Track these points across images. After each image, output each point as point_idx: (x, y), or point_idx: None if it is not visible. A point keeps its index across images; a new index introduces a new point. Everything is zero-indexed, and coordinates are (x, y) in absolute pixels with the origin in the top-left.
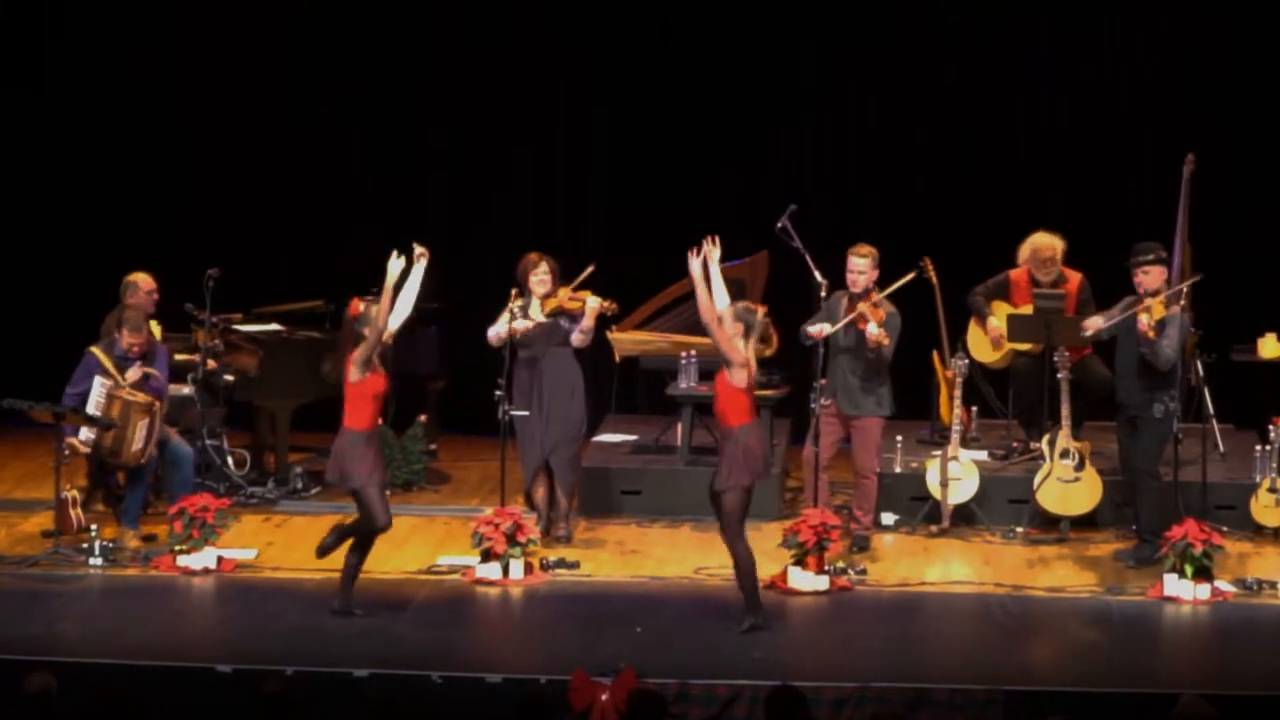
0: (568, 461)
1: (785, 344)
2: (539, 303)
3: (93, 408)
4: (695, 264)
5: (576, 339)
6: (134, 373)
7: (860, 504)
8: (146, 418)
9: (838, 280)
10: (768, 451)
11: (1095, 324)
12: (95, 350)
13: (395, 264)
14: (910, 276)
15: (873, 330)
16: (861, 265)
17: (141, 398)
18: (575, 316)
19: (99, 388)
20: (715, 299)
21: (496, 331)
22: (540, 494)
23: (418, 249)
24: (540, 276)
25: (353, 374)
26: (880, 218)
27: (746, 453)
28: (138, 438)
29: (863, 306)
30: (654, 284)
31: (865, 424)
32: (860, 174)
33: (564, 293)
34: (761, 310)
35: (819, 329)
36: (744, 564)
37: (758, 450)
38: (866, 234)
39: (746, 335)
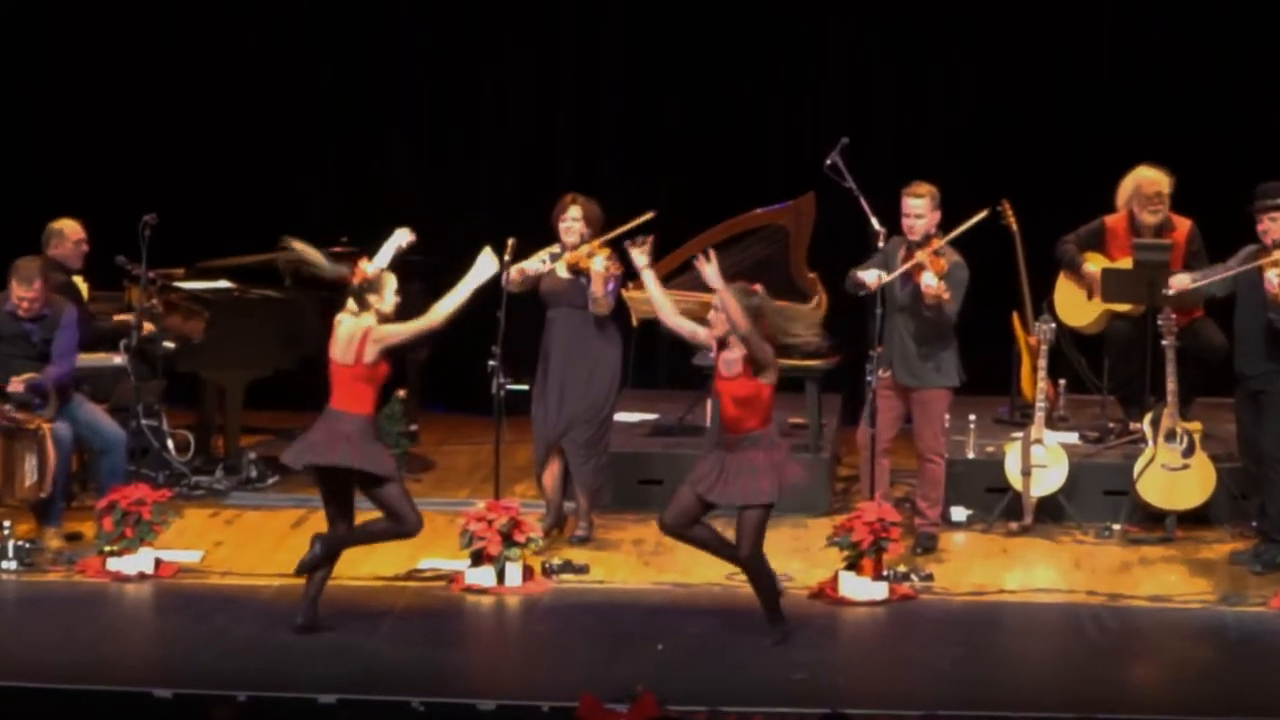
0: (582, 447)
1: (836, 306)
2: (566, 255)
3: None
4: (710, 276)
5: (591, 305)
6: (15, 384)
7: (925, 494)
8: (34, 448)
9: (898, 227)
10: None
11: (1181, 282)
12: None
13: (488, 262)
14: (980, 217)
15: (930, 282)
16: (918, 206)
17: (28, 420)
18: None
19: None
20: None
21: (519, 267)
22: (549, 481)
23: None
24: (567, 224)
25: (369, 353)
26: (948, 153)
27: (779, 462)
28: (27, 472)
29: (921, 255)
30: (679, 230)
31: (928, 397)
32: (924, 100)
33: (586, 248)
34: (758, 288)
35: (875, 276)
36: (770, 581)
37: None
38: (931, 173)
39: (755, 322)
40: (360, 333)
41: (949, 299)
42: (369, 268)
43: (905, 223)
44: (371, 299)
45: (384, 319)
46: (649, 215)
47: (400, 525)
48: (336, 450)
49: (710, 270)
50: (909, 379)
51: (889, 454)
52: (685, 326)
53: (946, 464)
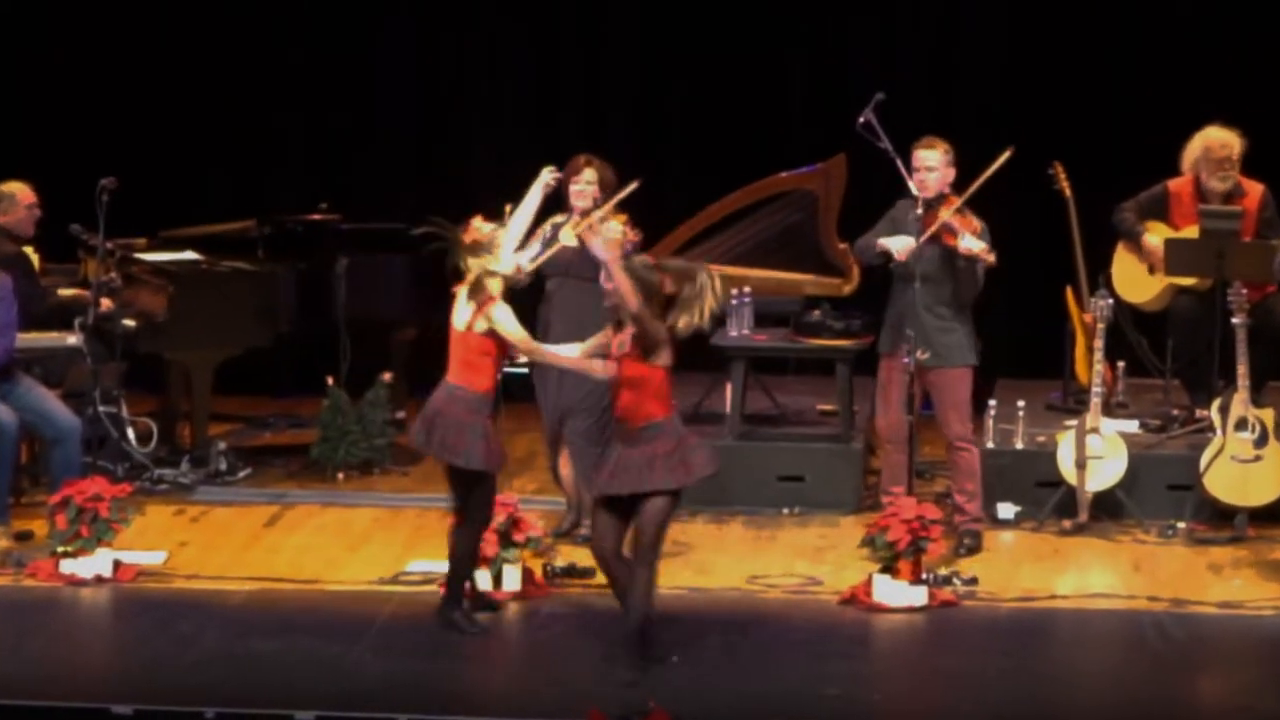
0: (583, 437)
1: (867, 279)
2: (574, 221)
3: None
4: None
5: (603, 277)
6: None
7: (962, 487)
8: None
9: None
10: None
11: None
12: None
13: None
14: (999, 163)
15: (971, 245)
16: (931, 159)
17: None
18: None
19: None
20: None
21: (530, 256)
22: (566, 474)
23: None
24: (580, 187)
25: (480, 323)
26: (993, 109)
27: (686, 449)
28: None
29: (946, 214)
30: (694, 199)
31: (951, 378)
32: (965, 50)
33: (599, 214)
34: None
35: (904, 243)
36: (647, 591)
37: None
38: (973, 131)
39: (648, 300)
40: (486, 300)
41: (992, 259)
42: (484, 225)
43: (916, 178)
44: (484, 260)
45: (504, 281)
46: (634, 184)
47: (485, 522)
48: (435, 434)
49: (598, 242)
50: (930, 358)
51: (906, 444)
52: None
53: (991, 455)
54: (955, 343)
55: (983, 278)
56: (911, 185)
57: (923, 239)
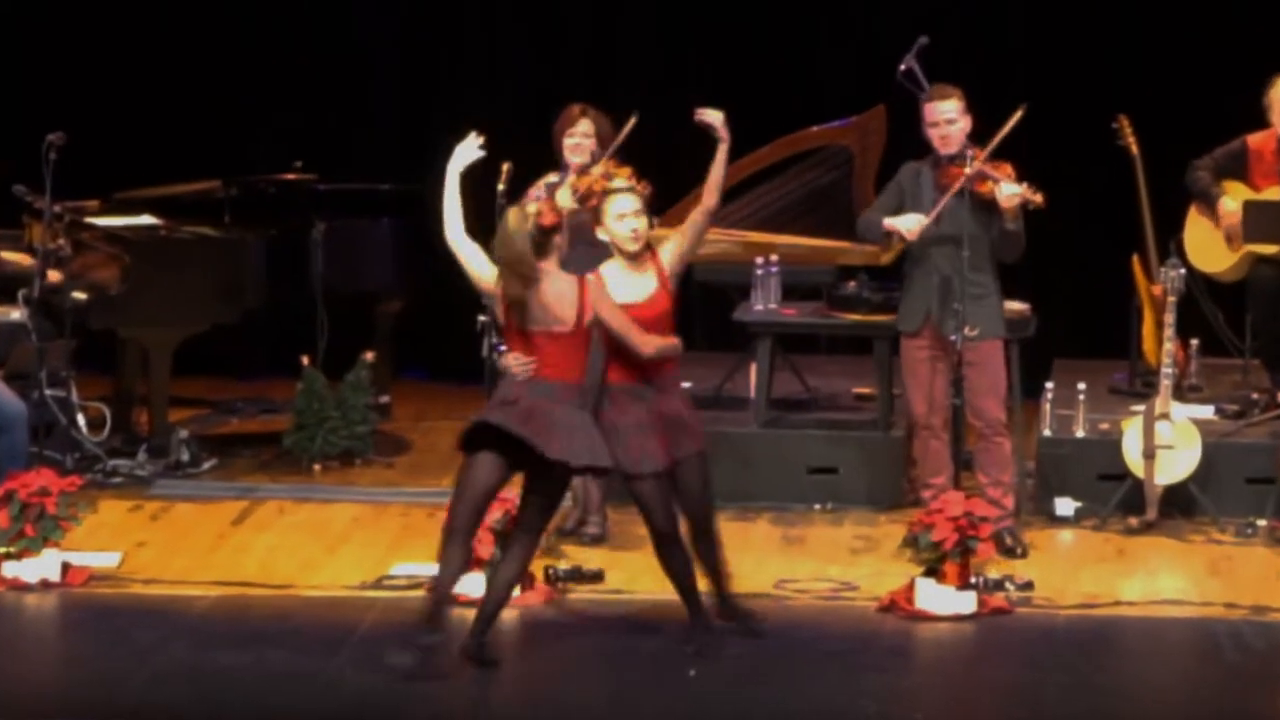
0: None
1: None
2: (572, 180)
3: None
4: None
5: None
6: None
7: (1000, 479)
8: None
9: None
10: None
11: None
12: None
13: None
14: (1019, 115)
15: (1010, 190)
16: (950, 110)
17: None
18: None
19: None
20: None
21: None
22: None
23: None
24: (575, 140)
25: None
26: (1049, 55)
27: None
28: None
29: (975, 163)
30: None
31: (984, 352)
32: None
33: (599, 169)
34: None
35: (914, 223)
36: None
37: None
38: (1029, 80)
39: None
40: (579, 287)
41: (1040, 199)
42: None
43: (935, 134)
44: (557, 240)
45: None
46: (632, 121)
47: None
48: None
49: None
50: (956, 330)
51: (946, 431)
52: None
53: (1048, 445)
54: (990, 312)
55: (1020, 228)
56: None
57: (945, 199)
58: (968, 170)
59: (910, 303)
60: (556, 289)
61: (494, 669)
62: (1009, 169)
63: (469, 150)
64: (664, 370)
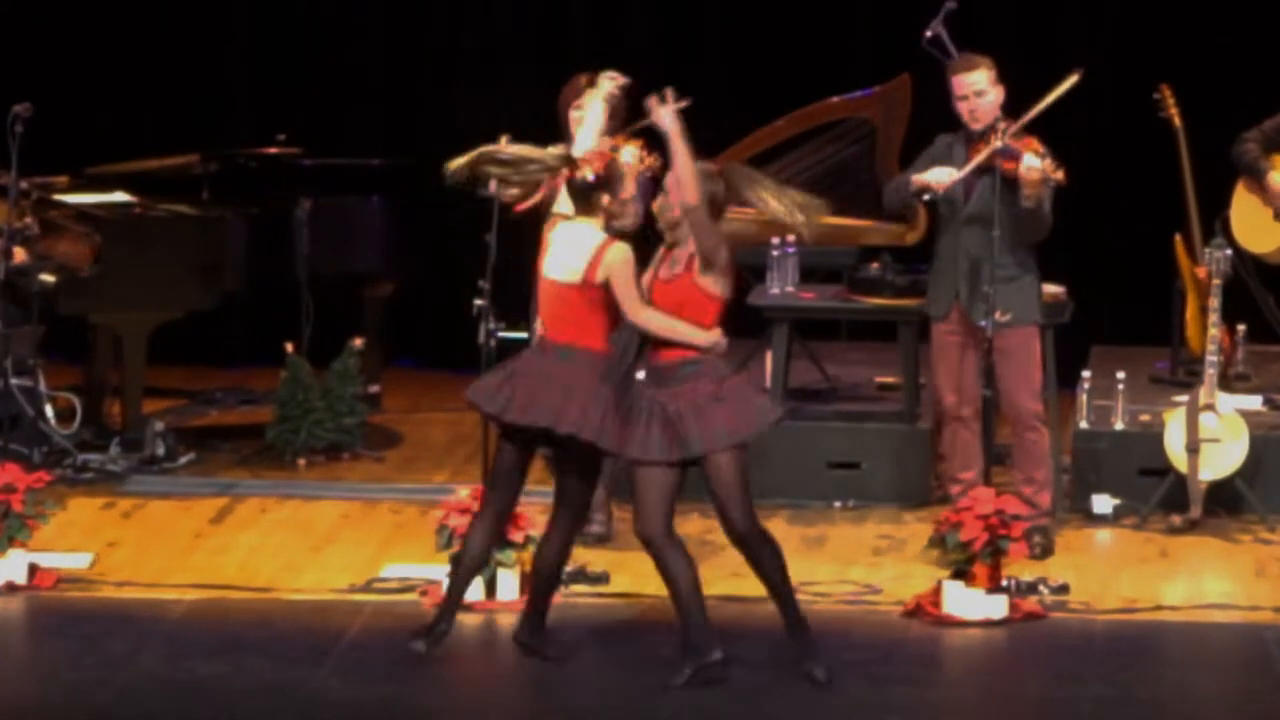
0: None
1: (936, 225)
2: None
3: None
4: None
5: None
6: None
7: (1031, 474)
8: None
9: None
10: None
11: None
12: None
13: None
14: (1067, 85)
15: (1032, 163)
16: (978, 81)
17: None
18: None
19: None
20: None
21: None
22: None
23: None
24: (583, 112)
25: (600, 273)
26: (1087, 19)
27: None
28: None
29: (1006, 138)
30: (729, 128)
31: (1017, 340)
32: None
33: (606, 142)
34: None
35: (946, 174)
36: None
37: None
38: (1066, 47)
39: (715, 214)
40: (598, 247)
41: (1060, 176)
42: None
43: (963, 108)
44: (604, 200)
45: (622, 230)
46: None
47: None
48: (567, 411)
49: (666, 113)
50: (987, 316)
51: (975, 422)
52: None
53: (1085, 438)
54: (1023, 296)
55: (1050, 214)
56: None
57: (968, 168)
58: (996, 143)
59: (937, 286)
60: (576, 236)
61: (551, 664)
62: (1035, 144)
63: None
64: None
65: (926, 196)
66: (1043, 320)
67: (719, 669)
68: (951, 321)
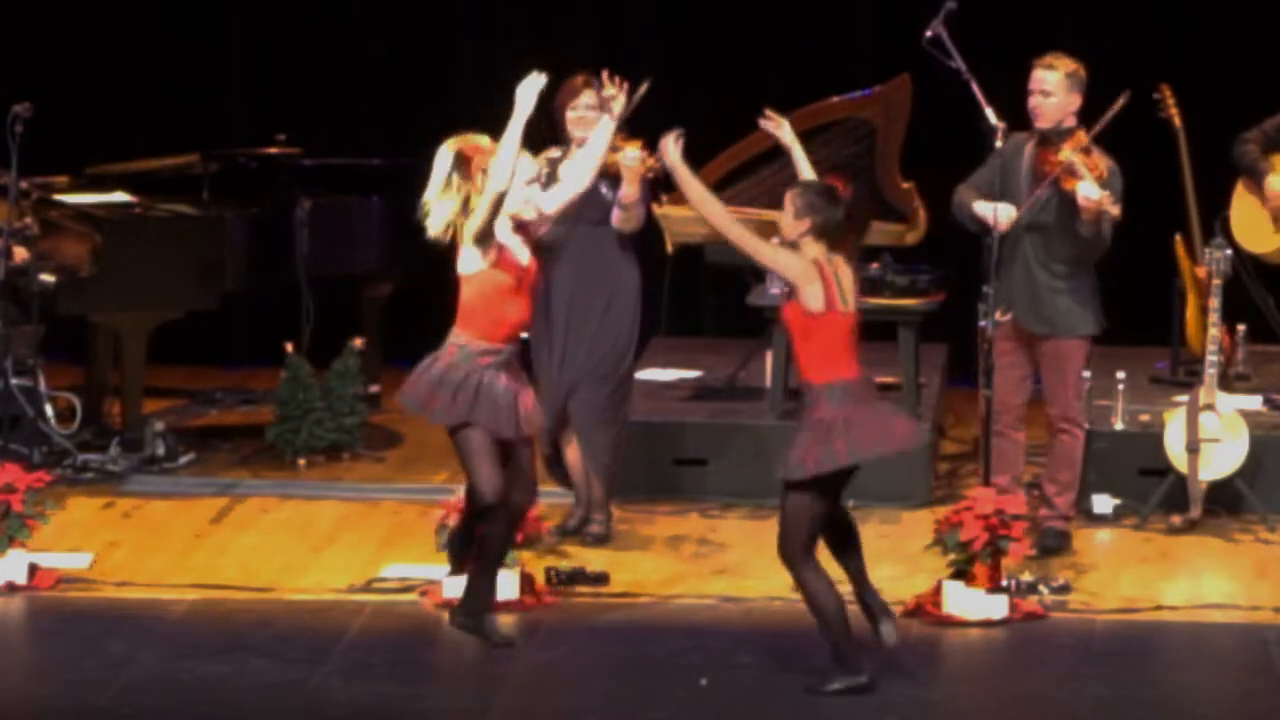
0: (595, 412)
1: (936, 225)
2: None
3: None
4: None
5: (618, 217)
6: None
7: (1056, 477)
8: None
9: (1021, 120)
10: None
11: None
12: None
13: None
14: (1122, 102)
15: (1090, 193)
16: (1050, 82)
17: None
18: (619, 180)
19: None
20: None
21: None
22: (574, 458)
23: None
24: (579, 113)
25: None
26: (1088, 21)
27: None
28: None
29: (1069, 153)
30: (728, 128)
31: (1064, 349)
32: None
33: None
34: (841, 188)
35: (1006, 214)
36: (824, 600)
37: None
38: (1063, 46)
39: (819, 235)
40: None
41: (1116, 213)
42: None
43: (1030, 102)
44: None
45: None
46: (645, 86)
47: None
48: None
49: (786, 131)
50: (1038, 324)
51: (1023, 425)
52: (753, 241)
53: (1087, 438)
54: (1070, 307)
55: (1110, 234)
56: (989, 113)
57: (1038, 191)
58: (1063, 158)
59: (1001, 289)
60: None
61: (551, 664)
62: (1103, 166)
63: (535, 84)
64: None
65: (986, 237)
66: (1093, 331)
67: (865, 690)
68: (1007, 325)
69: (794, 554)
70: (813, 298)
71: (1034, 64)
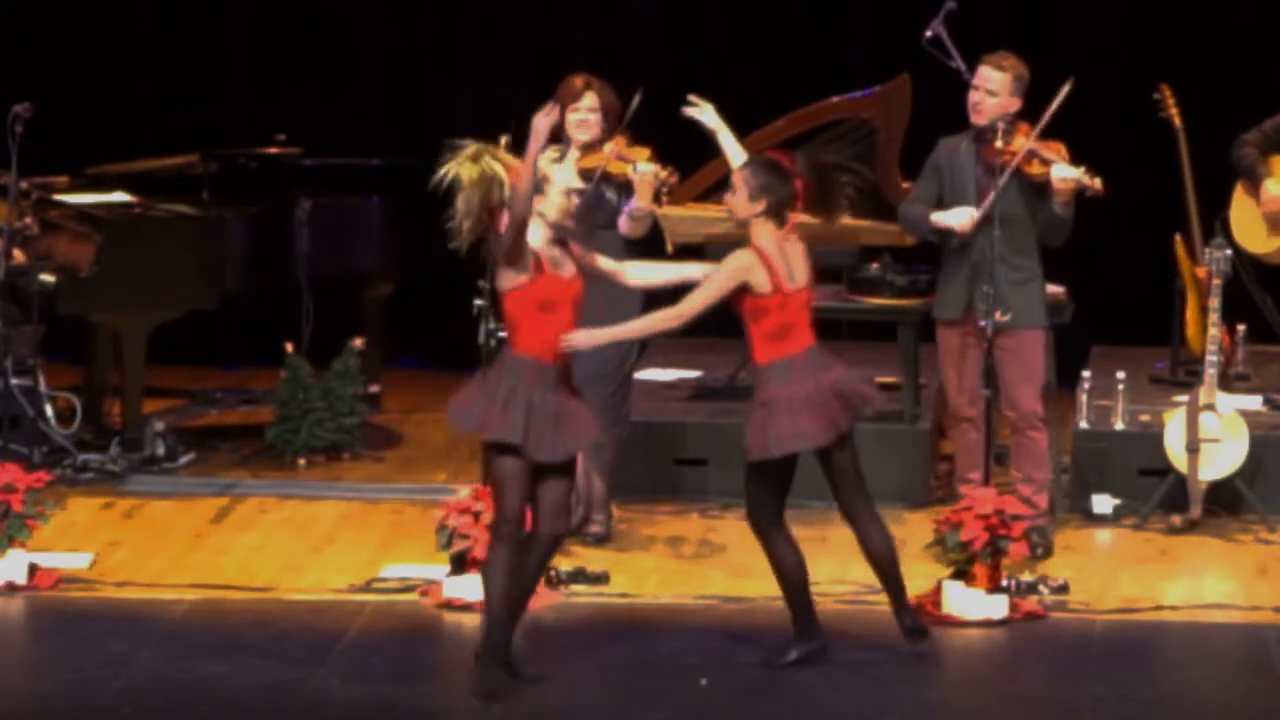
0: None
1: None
2: (576, 157)
3: None
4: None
5: (625, 225)
6: None
7: (1033, 476)
8: None
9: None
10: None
11: None
12: None
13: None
14: (1065, 91)
15: (1064, 173)
16: (997, 82)
17: None
18: (625, 186)
19: None
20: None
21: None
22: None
23: None
24: (579, 116)
25: None
26: (1088, 20)
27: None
28: None
29: (1024, 140)
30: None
31: (1023, 342)
32: None
33: (610, 147)
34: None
35: (964, 217)
36: (788, 569)
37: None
38: (1066, 47)
39: (773, 214)
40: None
41: (1098, 185)
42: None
43: (972, 98)
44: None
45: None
46: (637, 99)
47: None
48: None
49: (709, 115)
50: (987, 316)
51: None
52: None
53: (1085, 438)
54: (1031, 299)
55: (1071, 218)
56: None
57: (1001, 183)
58: (1025, 146)
59: (949, 288)
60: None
61: (550, 664)
62: (1062, 149)
63: (550, 117)
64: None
65: (953, 243)
66: (1048, 323)
67: (820, 654)
68: (965, 324)
69: (765, 526)
70: (759, 284)
71: (982, 60)
